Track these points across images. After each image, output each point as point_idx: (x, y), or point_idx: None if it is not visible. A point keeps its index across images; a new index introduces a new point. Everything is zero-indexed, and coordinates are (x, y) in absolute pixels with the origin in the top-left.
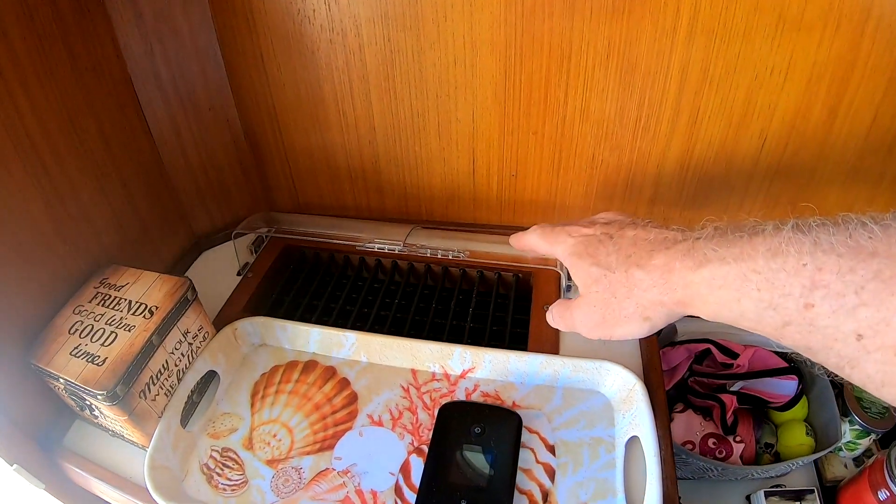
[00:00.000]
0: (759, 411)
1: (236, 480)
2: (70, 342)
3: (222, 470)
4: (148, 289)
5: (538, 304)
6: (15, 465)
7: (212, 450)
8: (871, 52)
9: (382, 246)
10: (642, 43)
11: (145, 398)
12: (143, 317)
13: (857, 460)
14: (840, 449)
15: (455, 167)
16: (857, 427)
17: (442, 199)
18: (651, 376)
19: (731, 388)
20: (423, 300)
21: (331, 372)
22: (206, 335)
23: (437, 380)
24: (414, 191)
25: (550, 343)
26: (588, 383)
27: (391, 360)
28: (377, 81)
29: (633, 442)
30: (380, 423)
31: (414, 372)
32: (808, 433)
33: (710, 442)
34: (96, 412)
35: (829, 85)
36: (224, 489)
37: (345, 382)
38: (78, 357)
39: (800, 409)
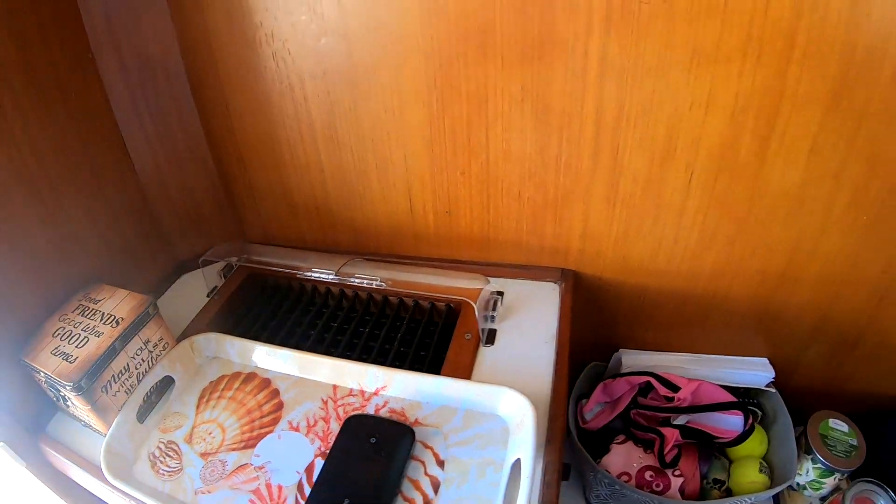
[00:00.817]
0: (708, 446)
1: (174, 468)
2: (52, 343)
3: (164, 459)
4: (119, 303)
5: (460, 332)
6: (1, 443)
7: (159, 441)
8: (801, 80)
9: (319, 275)
10: (555, 85)
11: (107, 393)
12: (111, 326)
13: (824, 500)
14: (804, 488)
15: (395, 206)
16: (819, 465)
17: (387, 235)
18: (554, 405)
19: (675, 422)
20: (361, 324)
21: (266, 383)
22: (166, 345)
23: (353, 395)
24: (362, 227)
25: (464, 369)
26: (488, 407)
27: (317, 376)
28: (322, 129)
29: (517, 464)
30: (297, 429)
31: (335, 387)
32: (762, 470)
33: (647, 475)
34: (68, 402)
35: (757, 116)
36: (163, 474)
37: (275, 392)
38: (56, 356)
39: (757, 446)
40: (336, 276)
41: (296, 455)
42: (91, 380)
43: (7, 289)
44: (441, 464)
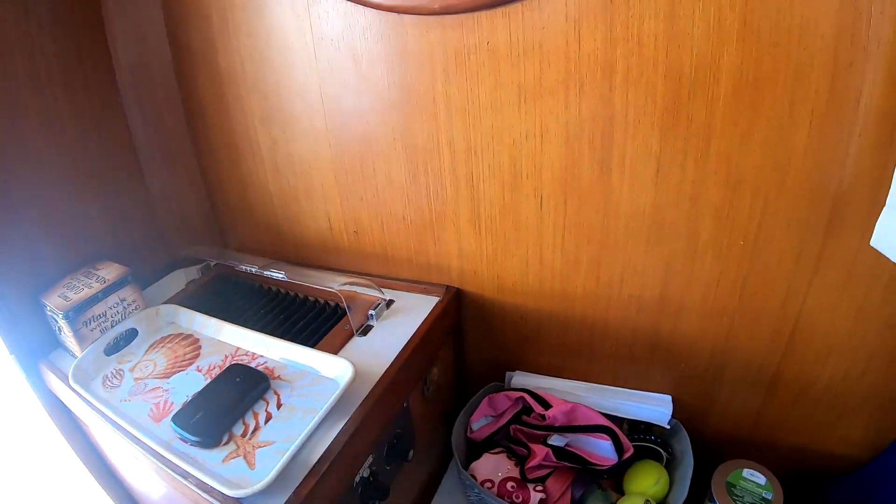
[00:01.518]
0: (586, 472)
1: (115, 384)
2: (60, 291)
3: (112, 379)
4: (110, 271)
5: (343, 323)
6: (12, 356)
7: (113, 368)
8: (628, 104)
9: (251, 269)
10: (416, 126)
11: (87, 327)
12: (99, 283)
13: None
14: None
15: (319, 225)
16: None
17: (317, 248)
18: (383, 380)
19: (549, 441)
20: (281, 311)
21: (195, 341)
22: (137, 307)
23: (245, 355)
24: (300, 240)
25: (333, 348)
26: (329, 372)
27: (228, 339)
28: (269, 162)
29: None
30: (199, 371)
31: (237, 349)
32: None
33: (509, 485)
34: (62, 331)
35: (591, 141)
36: (108, 388)
37: (198, 347)
38: (60, 297)
39: (651, 485)
40: (260, 270)
41: (191, 386)
42: (77, 314)
43: (40, 256)
44: (279, 406)
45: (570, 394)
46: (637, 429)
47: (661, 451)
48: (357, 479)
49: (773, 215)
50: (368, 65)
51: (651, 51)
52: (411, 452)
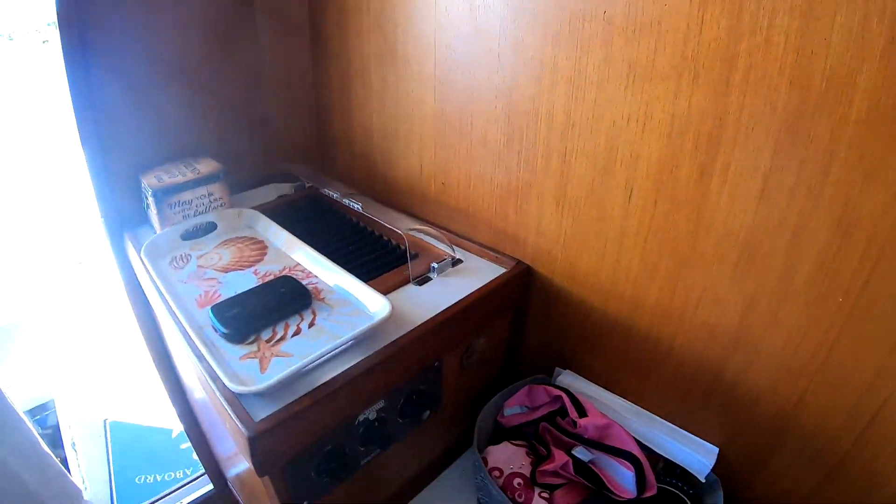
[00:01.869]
0: (598, 496)
1: (180, 266)
2: (158, 173)
3: (178, 261)
4: (205, 166)
5: (404, 268)
6: (102, 219)
7: (184, 254)
8: (743, 107)
9: (333, 194)
10: (519, 88)
11: (171, 209)
12: (193, 174)
13: None
14: None
15: (410, 169)
16: None
17: (405, 192)
18: (421, 329)
19: (574, 451)
20: (354, 240)
21: (263, 247)
22: (223, 203)
23: (301, 270)
24: (392, 181)
25: (385, 288)
26: (368, 307)
27: (292, 254)
28: (377, 100)
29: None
30: (255, 274)
31: (297, 265)
32: None
33: (516, 482)
34: (149, 206)
35: (696, 141)
36: (172, 268)
37: (263, 254)
38: (155, 178)
39: None
40: (340, 197)
41: (242, 285)
42: (165, 195)
43: (148, 141)
44: (311, 325)
45: (612, 410)
46: (672, 471)
47: (685, 497)
48: (361, 417)
49: (884, 276)
50: (484, 17)
51: (779, 51)
52: (427, 413)
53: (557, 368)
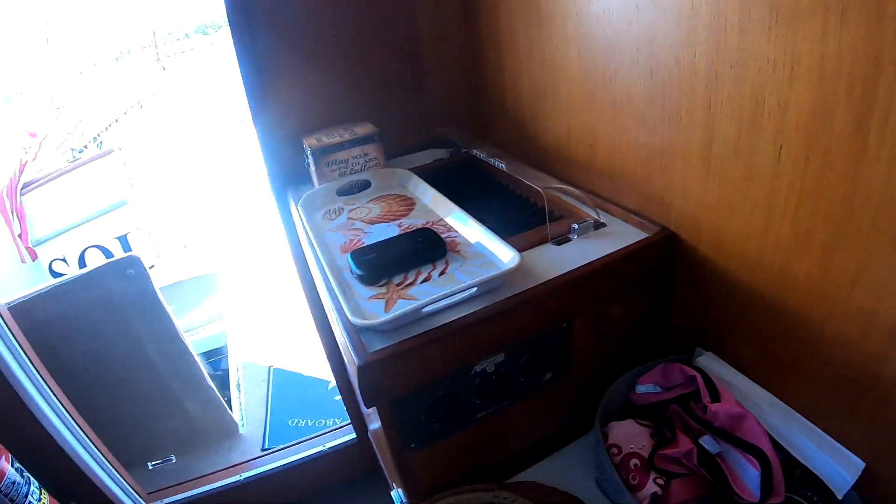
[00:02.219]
0: (719, 493)
1: (332, 218)
2: (318, 135)
3: (331, 214)
4: (362, 128)
5: (544, 227)
6: (269, 177)
7: (338, 207)
8: None
9: (480, 154)
10: (658, 38)
11: (328, 167)
12: (350, 135)
13: None
14: None
15: (558, 131)
16: None
17: (552, 155)
18: (550, 285)
19: (701, 440)
20: (501, 200)
21: (411, 204)
22: (378, 163)
23: (443, 225)
24: (542, 144)
25: (521, 245)
26: (499, 259)
27: (437, 210)
28: (526, 63)
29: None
30: (399, 226)
31: (440, 220)
32: None
33: (633, 462)
34: (308, 164)
35: (850, 87)
36: (327, 220)
37: (411, 208)
38: (315, 139)
39: None
40: (486, 157)
41: (385, 236)
42: (323, 153)
43: (311, 107)
44: (442, 273)
45: (751, 401)
46: (810, 483)
47: None
48: (478, 368)
49: None
50: None
51: None
52: (549, 375)
53: (698, 349)
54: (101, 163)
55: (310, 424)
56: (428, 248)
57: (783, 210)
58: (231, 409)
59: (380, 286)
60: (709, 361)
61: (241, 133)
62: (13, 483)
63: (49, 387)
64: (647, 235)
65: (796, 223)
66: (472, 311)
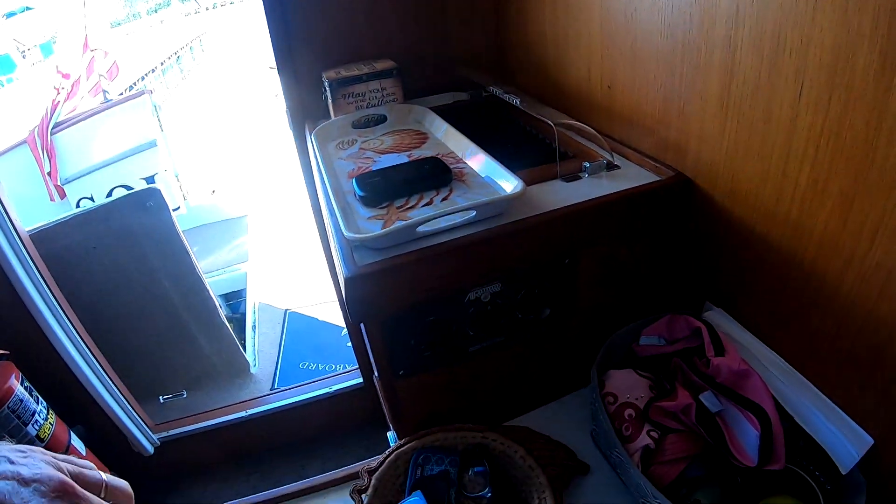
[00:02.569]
0: (721, 461)
1: (344, 147)
2: (338, 69)
3: (344, 145)
4: (381, 64)
5: (554, 164)
6: (288, 110)
7: (351, 139)
8: None
9: (496, 91)
10: None
11: (345, 100)
12: (369, 69)
13: None
14: None
15: (579, 74)
16: None
17: (574, 98)
18: (549, 216)
19: (702, 396)
20: (514, 137)
21: (424, 137)
22: (396, 98)
23: (452, 156)
24: (563, 87)
25: (530, 178)
26: (501, 186)
27: (448, 142)
28: (549, 4)
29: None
30: (409, 157)
31: (451, 152)
32: None
33: (627, 412)
34: (327, 97)
35: (875, 20)
36: (339, 150)
37: (423, 141)
38: (334, 73)
39: None
40: (502, 94)
41: (396, 160)
42: (340, 86)
43: (335, 45)
44: (445, 199)
45: (759, 363)
46: (812, 456)
47: (819, 493)
48: (472, 296)
49: None
50: None
51: None
52: (547, 311)
53: (708, 303)
54: (132, 104)
55: (320, 368)
56: (433, 175)
57: (802, 154)
58: (245, 349)
59: (381, 208)
60: (717, 317)
61: (272, 81)
62: (21, 401)
63: (66, 314)
64: (660, 179)
65: (815, 168)
66: (469, 233)
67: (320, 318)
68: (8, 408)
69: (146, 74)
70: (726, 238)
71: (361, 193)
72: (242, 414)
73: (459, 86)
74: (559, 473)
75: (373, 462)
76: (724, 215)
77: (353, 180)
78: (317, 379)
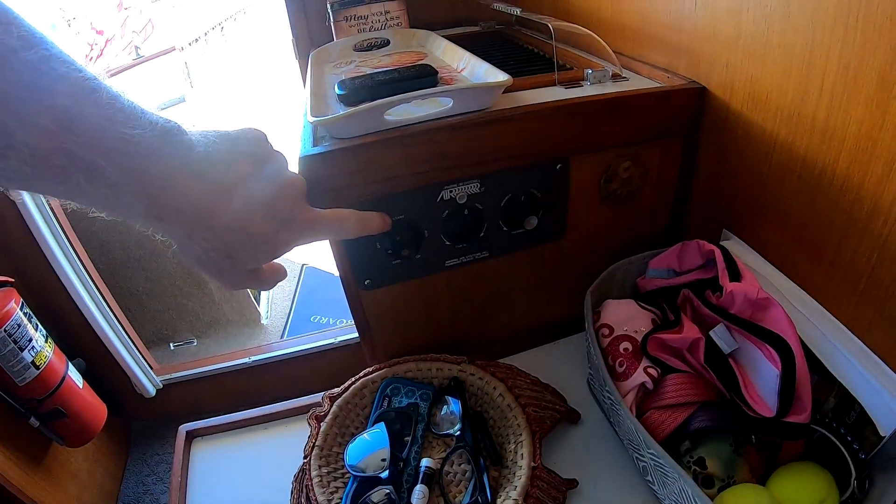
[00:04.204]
0: (732, 412)
1: (341, 67)
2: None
3: (342, 66)
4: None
5: (554, 73)
6: (294, 39)
7: (350, 60)
8: None
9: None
10: None
11: (346, 22)
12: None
13: None
14: None
15: None
16: None
17: (582, 13)
18: (535, 108)
19: (713, 333)
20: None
21: (423, 56)
22: (400, 23)
23: (447, 69)
24: (574, 8)
25: (524, 83)
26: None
27: (444, 58)
28: None
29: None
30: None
31: (448, 65)
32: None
33: (623, 346)
34: (330, 24)
35: None
36: (334, 68)
37: (421, 59)
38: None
39: (815, 489)
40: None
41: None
42: (341, 7)
43: None
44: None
45: (784, 301)
46: (842, 417)
47: (849, 458)
48: (445, 194)
49: None
50: None
51: None
52: (535, 221)
53: (725, 231)
54: (163, 60)
55: (331, 322)
56: (418, 77)
57: (830, 35)
58: (259, 301)
59: (358, 105)
60: (736, 247)
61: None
62: (18, 325)
63: (73, 246)
64: (661, 85)
65: (844, 53)
66: (441, 115)
67: (336, 274)
68: (4, 331)
69: (191, 43)
70: (744, 152)
71: (340, 92)
72: (246, 360)
73: (472, 21)
74: (542, 417)
75: (337, 389)
76: (743, 126)
77: (336, 83)
78: (320, 331)
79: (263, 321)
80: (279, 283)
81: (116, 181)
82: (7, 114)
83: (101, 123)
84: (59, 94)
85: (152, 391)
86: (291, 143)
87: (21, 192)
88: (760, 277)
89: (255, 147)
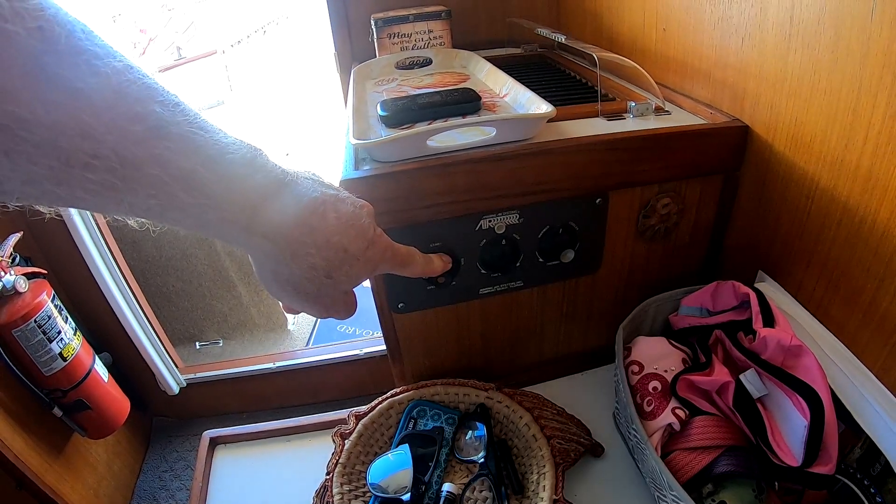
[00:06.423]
0: (757, 458)
1: (383, 85)
2: (386, 12)
3: (384, 83)
4: (431, 6)
5: (596, 104)
6: (336, 53)
7: (392, 78)
8: None
9: (552, 35)
10: None
11: (390, 39)
12: (417, 10)
13: None
14: None
15: (633, 17)
16: None
17: (625, 43)
18: (574, 143)
19: (743, 377)
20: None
21: (465, 78)
22: (442, 43)
23: (489, 93)
24: (616, 33)
25: (568, 114)
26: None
27: (487, 81)
28: None
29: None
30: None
31: (490, 89)
32: None
33: (652, 385)
34: (374, 38)
35: None
36: (376, 84)
37: (464, 80)
38: (381, 13)
39: None
40: (544, 31)
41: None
42: (385, 24)
43: None
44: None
45: (816, 347)
46: (867, 469)
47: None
48: (484, 224)
49: None
50: None
51: None
52: (571, 254)
53: (760, 272)
54: (203, 63)
55: (358, 332)
56: (459, 101)
57: (877, 83)
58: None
59: (402, 128)
60: (770, 290)
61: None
62: (49, 317)
63: (106, 241)
64: (705, 122)
65: (893, 101)
66: (483, 144)
67: (366, 286)
68: (35, 321)
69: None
70: (785, 194)
71: (383, 113)
72: (269, 366)
73: (514, 42)
74: (566, 449)
75: (363, 408)
76: (784, 168)
77: (379, 104)
78: (345, 341)
79: (290, 327)
80: None
81: (218, 191)
82: (95, 119)
83: (193, 132)
84: (148, 101)
85: (176, 389)
86: (328, 154)
87: (108, 214)
88: (794, 322)
89: (317, 176)
